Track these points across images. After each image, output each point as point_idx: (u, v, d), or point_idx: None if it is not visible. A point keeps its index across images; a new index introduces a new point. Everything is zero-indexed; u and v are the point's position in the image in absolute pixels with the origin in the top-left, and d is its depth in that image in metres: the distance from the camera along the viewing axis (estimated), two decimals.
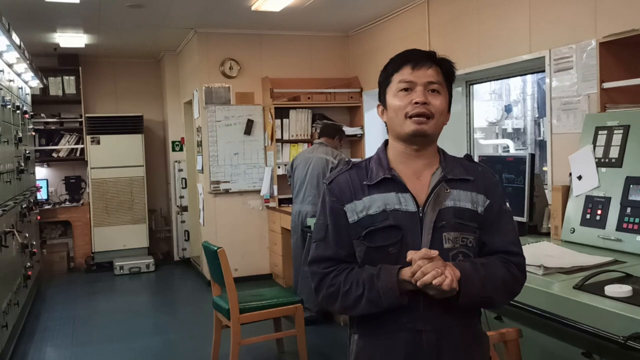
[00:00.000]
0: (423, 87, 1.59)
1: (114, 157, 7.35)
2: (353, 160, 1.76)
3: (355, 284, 1.56)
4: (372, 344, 1.63)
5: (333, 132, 5.14)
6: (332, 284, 1.60)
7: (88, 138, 7.30)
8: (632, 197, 2.71)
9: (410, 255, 1.51)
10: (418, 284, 1.47)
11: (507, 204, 1.74)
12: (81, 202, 7.47)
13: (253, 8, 5.27)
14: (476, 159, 3.79)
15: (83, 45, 6.74)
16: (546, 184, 3.78)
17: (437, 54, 1.67)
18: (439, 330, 1.57)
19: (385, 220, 1.57)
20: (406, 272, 1.51)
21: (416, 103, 1.58)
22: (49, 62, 7.29)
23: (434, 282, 1.45)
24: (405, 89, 1.60)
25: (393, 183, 1.61)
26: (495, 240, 1.64)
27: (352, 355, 1.68)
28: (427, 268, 1.46)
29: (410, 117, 1.59)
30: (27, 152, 5.61)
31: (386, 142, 1.73)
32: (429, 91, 1.60)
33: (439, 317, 1.57)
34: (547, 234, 3.25)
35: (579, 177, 3.01)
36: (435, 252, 1.50)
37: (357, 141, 6.53)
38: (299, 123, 6.27)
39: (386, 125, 1.70)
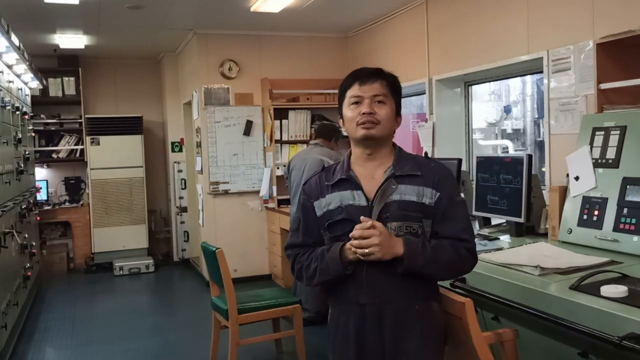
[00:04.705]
0: (370, 99, 1.90)
1: (114, 158, 7.36)
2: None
3: (313, 259, 1.93)
4: (337, 314, 1.97)
5: (330, 133, 5.10)
6: (300, 262, 1.98)
7: (88, 139, 7.32)
8: (628, 198, 2.72)
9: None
10: (352, 248, 1.82)
11: (461, 195, 2.02)
12: (81, 202, 7.48)
13: (252, 9, 5.28)
14: (474, 160, 3.81)
15: (83, 47, 6.76)
16: (545, 185, 3.79)
17: (384, 70, 1.96)
18: (380, 304, 1.86)
19: (340, 215, 1.91)
20: (346, 246, 1.85)
21: (364, 113, 1.88)
22: (48, 63, 7.30)
23: (359, 252, 1.79)
24: (356, 102, 1.92)
25: (349, 182, 1.93)
26: (446, 228, 1.89)
27: (329, 322, 2.01)
28: (355, 233, 1.80)
29: (360, 124, 1.89)
30: (27, 153, 5.62)
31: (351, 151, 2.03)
32: (375, 102, 1.90)
33: (380, 293, 1.86)
34: (545, 235, 3.25)
35: (576, 178, 3.01)
36: (368, 221, 1.79)
37: None
38: (298, 124, 6.28)
39: (347, 133, 1.99)
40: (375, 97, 1.90)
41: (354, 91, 1.92)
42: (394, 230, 1.85)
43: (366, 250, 1.78)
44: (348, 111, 1.94)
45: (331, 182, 1.96)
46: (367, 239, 1.78)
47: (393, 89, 1.94)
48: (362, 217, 1.81)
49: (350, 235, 1.81)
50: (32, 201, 5.88)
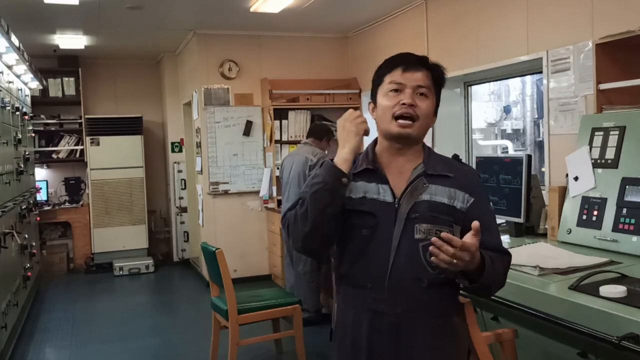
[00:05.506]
0: (412, 89, 1.68)
1: (114, 158, 7.36)
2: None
3: (305, 194, 1.66)
4: (345, 317, 1.75)
5: (321, 134, 5.11)
6: (292, 214, 1.70)
7: (88, 139, 7.32)
8: (628, 198, 2.72)
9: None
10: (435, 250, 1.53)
11: (491, 204, 1.86)
12: (81, 203, 7.48)
13: (252, 9, 5.28)
14: (474, 160, 3.81)
15: (82, 47, 6.76)
16: (544, 185, 3.79)
17: (430, 59, 1.74)
18: (400, 315, 1.65)
19: (362, 205, 1.68)
20: (340, 152, 1.66)
21: (403, 104, 1.67)
22: (48, 63, 7.30)
23: (443, 257, 1.51)
24: (395, 90, 1.69)
25: (375, 174, 1.72)
26: (489, 240, 1.70)
27: (333, 322, 1.82)
28: (448, 249, 1.51)
29: (397, 118, 1.68)
30: (27, 153, 5.62)
31: (376, 140, 1.82)
32: (417, 94, 1.69)
33: (402, 303, 1.65)
34: (544, 235, 3.26)
35: (576, 178, 3.01)
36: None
37: None
38: (297, 124, 6.28)
39: (376, 122, 1.78)
40: (419, 89, 1.69)
41: (395, 77, 1.70)
42: (423, 233, 1.66)
43: (455, 261, 1.51)
44: (384, 99, 1.71)
45: (356, 170, 1.73)
46: (464, 251, 1.51)
47: (437, 82, 1.74)
48: (474, 224, 1.53)
49: (447, 236, 1.51)
50: (32, 201, 5.88)
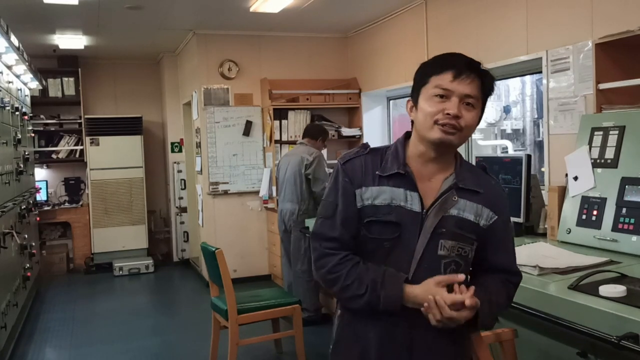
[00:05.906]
0: (459, 99, 1.56)
1: (114, 158, 7.36)
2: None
3: (357, 282, 1.58)
4: (353, 325, 1.68)
5: (316, 133, 5.14)
6: (334, 272, 1.61)
7: (87, 139, 7.32)
8: (627, 198, 2.72)
9: (440, 293, 1.52)
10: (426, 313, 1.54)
11: (512, 223, 1.81)
12: (80, 203, 7.48)
13: (252, 9, 5.28)
14: (474, 160, 3.81)
15: (82, 47, 6.76)
16: (544, 185, 3.79)
17: (482, 64, 1.63)
18: (414, 327, 1.60)
19: (388, 215, 1.59)
20: (412, 293, 1.55)
21: (447, 114, 1.55)
22: (48, 63, 7.30)
23: (437, 317, 1.52)
24: (441, 96, 1.57)
25: (404, 179, 1.61)
26: (500, 259, 1.69)
27: (336, 330, 1.74)
28: (435, 314, 1.52)
29: (439, 125, 1.57)
30: (27, 153, 5.62)
31: (407, 135, 1.72)
32: (463, 104, 1.57)
33: (416, 315, 1.58)
34: (544, 235, 3.25)
35: (575, 178, 3.01)
36: (466, 294, 1.52)
37: (355, 142, 6.54)
38: (297, 124, 6.28)
39: (412, 123, 1.68)
40: (466, 98, 1.57)
41: (443, 81, 1.56)
42: (447, 249, 1.59)
43: (440, 325, 1.52)
44: (427, 104, 1.58)
45: (385, 173, 1.62)
46: (458, 313, 1.51)
47: (486, 92, 1.64)
48: (468, 302, 1.50)
49: (439, 299, 1.50)
50: (31, 202, 5.88)
